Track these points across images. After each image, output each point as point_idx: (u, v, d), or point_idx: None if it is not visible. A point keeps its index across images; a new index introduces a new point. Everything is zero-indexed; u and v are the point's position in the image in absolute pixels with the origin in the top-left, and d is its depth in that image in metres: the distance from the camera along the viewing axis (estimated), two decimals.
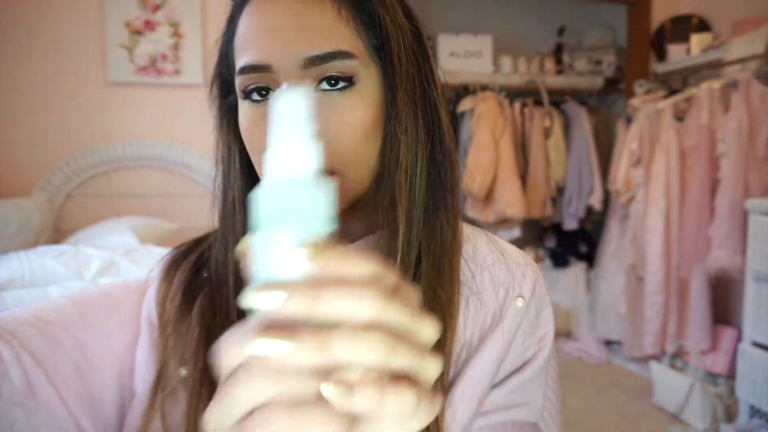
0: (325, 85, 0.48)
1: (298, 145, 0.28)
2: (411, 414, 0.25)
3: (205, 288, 0.56)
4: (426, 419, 0.26)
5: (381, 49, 0.50)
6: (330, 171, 0.48)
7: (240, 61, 0.49)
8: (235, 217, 0.54)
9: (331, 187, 0.28)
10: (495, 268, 0.54)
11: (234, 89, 0.54)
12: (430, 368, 0.26)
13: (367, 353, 0.24)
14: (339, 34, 0.48)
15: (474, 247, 0.55)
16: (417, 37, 0.53)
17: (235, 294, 0.53)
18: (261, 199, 0.27)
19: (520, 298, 0.53)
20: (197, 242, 0.62)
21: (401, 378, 0.24)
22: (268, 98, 0.49)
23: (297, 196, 0.27)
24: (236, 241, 0.53)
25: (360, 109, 0.48)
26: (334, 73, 0.47)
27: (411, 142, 0.50)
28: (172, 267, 0.59)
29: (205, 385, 0.52)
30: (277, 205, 0.27)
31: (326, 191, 0.27)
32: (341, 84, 0.47)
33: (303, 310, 0.24)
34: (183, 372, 0.54)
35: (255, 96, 0.49)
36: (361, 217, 0.53)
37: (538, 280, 0.55)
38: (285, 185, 0.27)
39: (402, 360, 0.24)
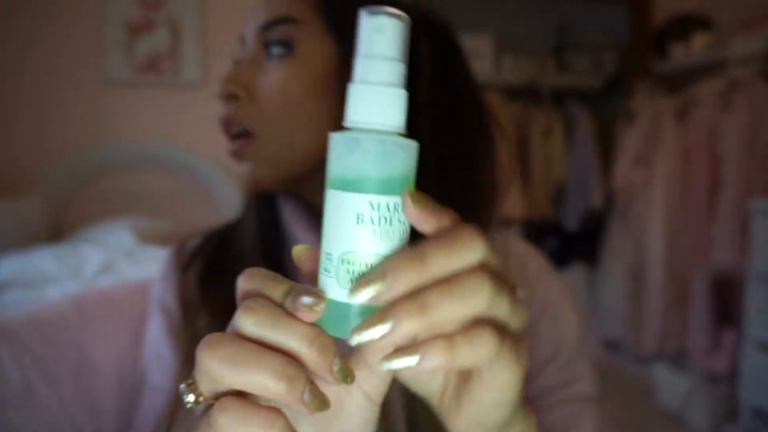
0: (266, 53, 0.51)
1: (383, 96, 0.25)
2: (508, 360, 0.26)
3: (225, 278, 0.55)
4: (519, 365, 0.27)
5: (335, 21, 0.51)
6: (250, 129, 0.50)
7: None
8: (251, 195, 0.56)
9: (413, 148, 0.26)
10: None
11: None
12: (521, 317, 0.27)
13: (466, 304, 0.24)
14: (294, 3, 0.50)
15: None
16: None
17: (251, 260, 0.53)
18: (337, 140, 0.26)
19: (519, 289, 0.54)
20: (208, 235, 0.60)
21: (491, 325, 0.25)
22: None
23: (376, 151, 0.25)
24: (260, 217, 0.55)
25: (288, 74, 0.49)
26: (272, 39, 0.50)
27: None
28: (185, 258, 0.58)
29: None
30: (357, 161, 0.25)
31: (409, 150, 0.26)
32: (277, 50, 0.50)
33: (413, 279, 0.24)
34: None
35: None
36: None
37: (540, 264, 0.58)
38: (367, 137, 0.25)
39: (499, 308, 0.25)
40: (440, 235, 0.25)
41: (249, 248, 0.53)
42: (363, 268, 0.25)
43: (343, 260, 0.25)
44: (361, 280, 0.24)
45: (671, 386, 2.38)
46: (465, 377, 0.29)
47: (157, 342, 0.55)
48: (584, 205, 3.31)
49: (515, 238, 0.59)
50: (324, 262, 0.26)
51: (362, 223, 0.24)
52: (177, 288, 0.56)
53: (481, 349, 0.25)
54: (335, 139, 0.26)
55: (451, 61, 0.52)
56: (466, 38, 3.38)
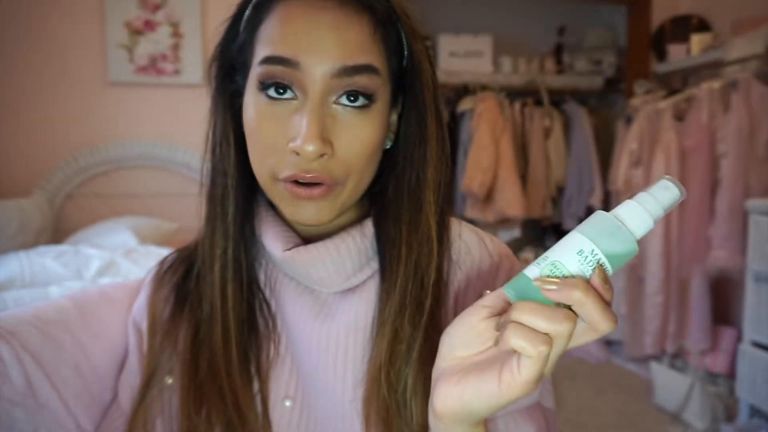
0: (344, 101, 0.49)
1: (647, 215, 0.39)
2: (556, 354, 0.37)
3: (192, 294, 0.57)
4: (545, 371, 0.38)
5: (398, 75, 0.53)
6: (333, 181, 0.49)
7: (266, 50, 0.49)
8: (227, 206, 0.54)
9: (633, 255, 0.39)
10: (479, 256, 0.57)
11: (236, 76, 0.54)
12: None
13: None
14: (371, 51, 0.49)
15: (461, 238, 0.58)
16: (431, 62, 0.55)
17: (221, 280, 0.53)
18: (601, 218, 0.39)
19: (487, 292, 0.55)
20: (185, 250, 0.62)
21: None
22: (285, 96, 0.49)
23: (619, 240, 0.38)
24: (225, 229, 0.54)
25: (373, 128, 0.50)
26: (358, 89, 0.48)
27: (438, 164, 0.53)
28: (162, 276, 0.60)
29: (195, 391, 0.52)
30: (604, 230, 0.38)
31: (630, 255, 0.39)
32: (361, 101, 0.49)
33: (567, 294, 0.37)
34: (168, 381, 0.54)
35: (272, 92, 0.49)
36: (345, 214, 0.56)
37: (513, 266, 0.58)
38: (620, 228, 0.38)
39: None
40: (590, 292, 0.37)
41: (221, 269, 0.54)
42: (558, 273, 0.38)
43: (553, 263, 0.38)
44: (555, 280, 0.38)
45: (670, 386, 2.38)
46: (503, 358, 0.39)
47: (129, 359, 0.58)
48: (584, 204, 3.32)
49: (473, 230, 0.59)
50: (540, 260, 0.39)
51: (580, 255, 0.38)
52: (149, 306, 0.58)
53: (566, 324, 0.37)
54: (605, 215, 0.40)
55: (432, 63, 0.55)
56: (467, 39, 3.39)
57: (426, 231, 0.52)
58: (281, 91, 0.48)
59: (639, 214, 0.39)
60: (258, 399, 0.53)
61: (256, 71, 0.49)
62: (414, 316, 0.50)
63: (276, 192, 0.51)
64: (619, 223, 0.38)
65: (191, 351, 0.54)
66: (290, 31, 0.48)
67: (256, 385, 0.53)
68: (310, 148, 0.46)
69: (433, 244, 0.52)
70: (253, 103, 0.50)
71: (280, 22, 0.49)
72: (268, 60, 0.48)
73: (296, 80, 0.48)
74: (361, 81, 0.48)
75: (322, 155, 0.48)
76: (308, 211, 0.50)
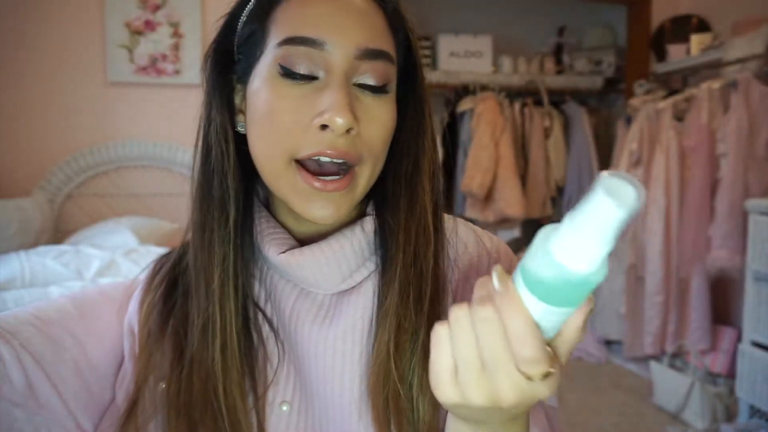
0: (364, 84, 0.50)
1: (598, 248, 0.30)
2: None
3: (179, 299, 0.56)
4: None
5: (401, 72, 0.54)
6: (358, 158, 0.49)
7: (285, 32, 0.48)
8: (227, 210, 0.52)
9: (589, 292, 0.33)
10: (474, 253, 0.57)
11: (236, 67, 0.53)
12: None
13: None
14: (388, 40, 0.51)
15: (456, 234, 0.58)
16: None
17: (221, 293, 0.52)
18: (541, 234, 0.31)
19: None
20: (176, 252, 0.61)
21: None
22: (307, 76, 0.48)
23: (542, 262, 0.31)
24: (225, 236, 0.52)
25: (389, 113, 0.51)
26: (377, 73, 0.49)
27: (432, 154, 0.54)
28: (153, 278, 0.59)
29: (181, 398, 0.51)
30: (534, 248, 0.32)
31: (586, 297, 0.33)
32: (379, 86, 0.50)
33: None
34: (162, 386, 0.54)
35: (292, 73, 0.48)
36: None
37: (512, 263, 0.58)
38: (571, 275, 0.31)
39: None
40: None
41: (220, 281, 0.52)
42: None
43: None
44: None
45: (669, 385, 2.38)
46: None
47: (125, 360, 0.57)
48: None
49: (468, 225, 0.59)
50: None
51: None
52: (139, 309, 0.57)
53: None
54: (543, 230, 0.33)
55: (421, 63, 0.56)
56: (467, 39, 3.39)
57: (423, 218, 0.52)
58: (302, 71, 0.48)
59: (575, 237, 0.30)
60: (254, 409, 0.52)
61: (272, 54, 0.49)
62: (416, 304, 0.49)
63: (290, 183, 0.49)
64: (548, 243, 0.31)
65: (179, 366, 0.52)
66: (313, 13, 0.48)
67: (251, 397, 0.52)
68: (341, 120, 0.46)
69: (430, 230, 0.51)
70: (268, 87, 0.49)
71: (299, 5, 0.49)
72: (291, 41, 0.48)
73: (320, 60, 0.48)
74: (381, 66, 0.49)
75: (350, 130, 0.47)
76: (325, 209, 0.49)
